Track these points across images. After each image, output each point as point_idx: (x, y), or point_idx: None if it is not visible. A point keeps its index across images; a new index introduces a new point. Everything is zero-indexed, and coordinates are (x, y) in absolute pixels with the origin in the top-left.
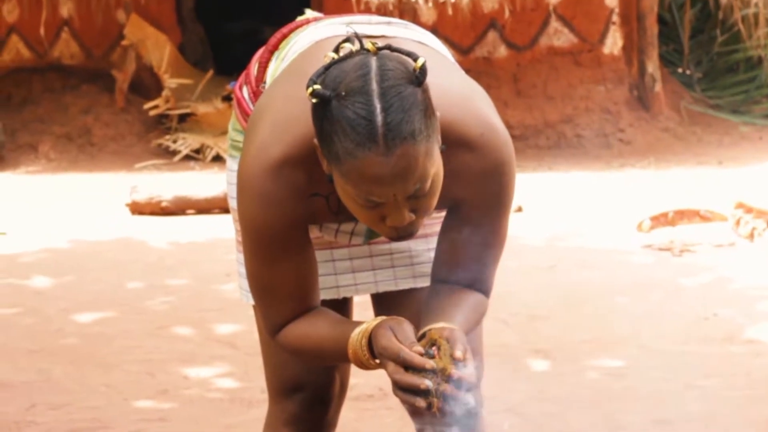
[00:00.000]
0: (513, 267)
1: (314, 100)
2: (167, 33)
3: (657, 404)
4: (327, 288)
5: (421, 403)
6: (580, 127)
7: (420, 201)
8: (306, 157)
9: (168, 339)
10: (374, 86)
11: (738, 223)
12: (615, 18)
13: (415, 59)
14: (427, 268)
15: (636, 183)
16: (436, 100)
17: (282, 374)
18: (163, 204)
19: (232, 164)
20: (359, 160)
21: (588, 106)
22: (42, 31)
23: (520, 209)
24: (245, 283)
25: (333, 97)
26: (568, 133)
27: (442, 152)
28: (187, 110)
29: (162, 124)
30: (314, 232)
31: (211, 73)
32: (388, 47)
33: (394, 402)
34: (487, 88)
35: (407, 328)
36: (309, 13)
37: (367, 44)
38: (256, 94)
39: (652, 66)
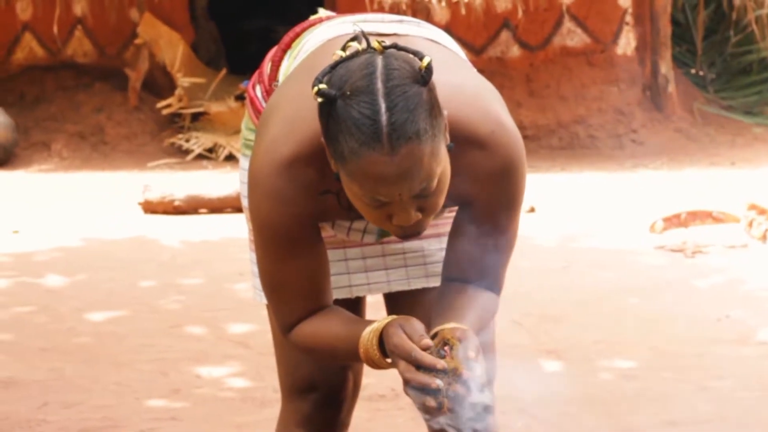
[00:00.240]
0: (525, 267)
1: (320, 100)
2: (180, 32)
3: (669, 405)
4: (340, 287)
5: (431, 402)
6: (593, 127)
7: (426, 200)
8: (316, 155)
9: (180, 338)
10: (379, 85)
11: (751, 224)
12: (628, 18)
13: (421, 58)
14: (440, 268)
15: (649, 184)
16: (446, 97)
17: (295, 374)
18: (176, 203)
19: (245, 163)
20: (364, 159)
21: (601, 107)
22: (55, 29)
23: (532, 210)
24: (258, 283)
25: (338, 97)
26: (580, 133)
27: (450, 150)
28: (200, 109)
29: (175, 123)
30: (327, 231)
31: (224, 72)
32: (395, 46)
33: (406, 402)
34: (500, 88)
35: (418, 326)
36: (322, 12)
37: (374, 43)
38: (269, 93)
39: (666, 67)
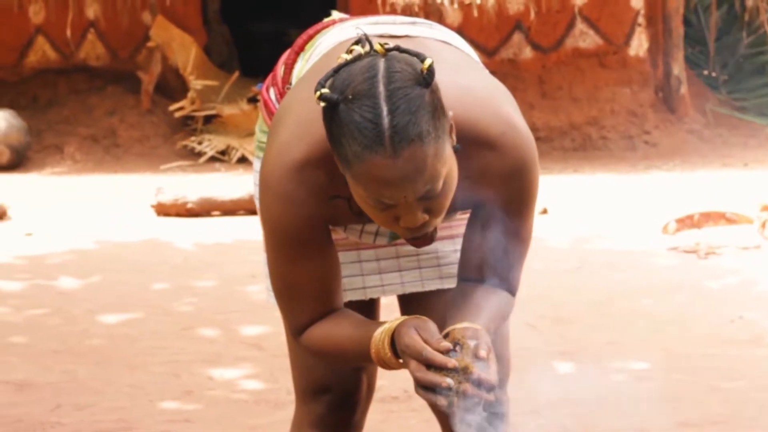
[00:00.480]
0: (538, 269)
1: (322, 104)
2: (193, 34)
3: (682, 407)
4: (354, 289)
5: (442, 401)
6: (606, 129)
7: (432, 202)
8: (327, 158)
9: (193, 340)
10: (381, 88)
11: (764, 225)
12: (640, 20)
13: (423, 60)
14: (454, 269)
15: (661, 185)
16: (456, 99)
17: (309, 376)
18: (189, 205)
19: (259, 165)
20: (367, 163)
21: (613, 108)
22: (68, 32)
23: (545, 211)
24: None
25: (341, 101)
26: (593, 135)
27: (457, 152)
28: (213, 112)
29: (187, 125)
30: (339, 234)
31: (236, 74)
32: (397, 48)
33: (419, 404)
34: (513, 90)
35: (431, 326)
36: (335, 14)
37: (376, 46)
38: (282, 96)
39: (678, 68)
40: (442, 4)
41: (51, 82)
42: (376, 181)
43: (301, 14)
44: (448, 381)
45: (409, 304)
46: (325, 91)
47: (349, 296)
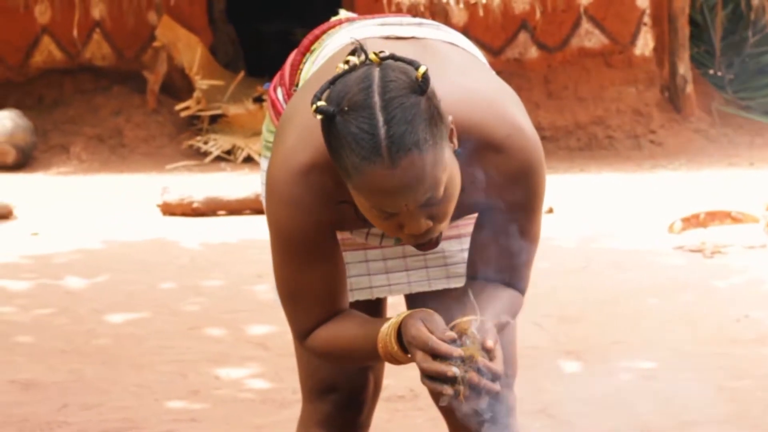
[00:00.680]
0: (544, 268)
1: (319, 117)
2: (198, 34)
3: (688, 406)
4: (361, 288)
5: (448, 390)
6: (611, 128)
7: (435, 208)
8: (333, 163)
9: (200, 340)
10: (376, 99)
11: None
12: (646, 19)
13: (417, 67)
14: (461, 269)
15: (667, 184)
16: (461, 101)
17: (316, 375)
18: (195, 205)
19: (266, 165)
20: (366, 174)
21: (619, 108)
22: (74, 32)
23: (551, 211)
24: None
25: (337, 113)
26: (599, 134)
27: (458, 155)
28: (218, 111)
29: (193, 125)
30: (345, 234)
31: (242, 74)
32: (392, 56)
33: (425, 403)
34: (518, 90)
35: (437, 318)
36: (343, 14)
37: (371, 55)
38: (290, 96)
39: (684, 67)
40: (447, 3)
41: (57, 82)
42: (377, 192)
43: (307, 14)
44: (454, 370)
45: (416, 303)
46: (321, 103)
47: (355, 296)
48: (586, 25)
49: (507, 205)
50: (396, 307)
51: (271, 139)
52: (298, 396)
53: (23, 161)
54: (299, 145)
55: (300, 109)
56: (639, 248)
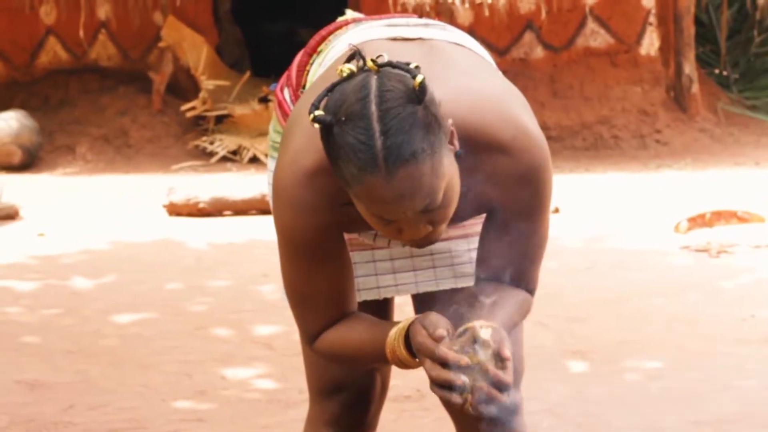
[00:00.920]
0: (551, 268)
1: (316, 126)
2: (204, 34)
3: (694, 405)
4: (368, 289)
5: (456, 399)
6: (617, 128)
7: (434, 214)
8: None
9: (206, 340)
10: (373, 109)
11: None
12: (652, 19)
13: (414, 76)
14: (468, 269)
15: (673, 184)
16: (466, 103)
17: (323, 375)
18: (201, 205)
19: (273, 165)
20: (364, 184)
21: (625, 107)
22: (80, 33)
23: (557, 210)
24: None
25: (334, 123)
26: (604, 134)
27: (459, 157)
28: (224, 112)
29: (199, 125)
30: (353, 234)
31: (248, 74)
32: (389, 64)
33: (431, 403)
34: (524, 90)
35: (434, 318)
36: (349, 14)
37: (368, 62)
38: (297, 97)
39: (689, 67)
40: (453, 3)
41: (62, 82)
42: (375, 201)
43: (312, 14)
44: (463, 378)
45: (424, 303)
46: (318, 113)
47: (363, 296)
48: (591, 24)
49: (514, 207)
50: (402, 307)
51: (278, 139)
52: (304, 396)
53: (29, 162)
54: (305, 148)
55: (305, 113)
56: (645, 248)
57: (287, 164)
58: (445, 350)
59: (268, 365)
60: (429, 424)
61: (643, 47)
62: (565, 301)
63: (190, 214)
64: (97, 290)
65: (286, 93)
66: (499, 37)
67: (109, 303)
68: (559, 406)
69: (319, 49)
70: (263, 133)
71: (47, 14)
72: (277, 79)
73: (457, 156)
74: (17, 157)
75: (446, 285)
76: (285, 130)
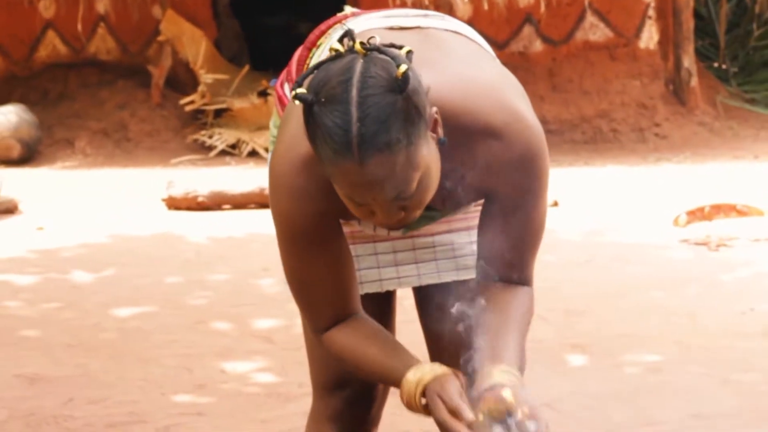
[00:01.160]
0: (550, 261)
1: (296, 103)
2: (203, 28)
3: (694, 399)
4: (370, 281)
5: None
6: (616, 121)
7: (407, 201)
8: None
9: (205, 333)
10: (354, 94)
11: None
12: (651, 12)
13: (399, 65)
14: (470, 261)
15: (672, 177)
16: (461, 90)
17: (327, 371)
18: (200, 199)
19: None
20: (337, 167)
21: (624, 101)
22: (78, 26)
23: (556, 204)
24: None
25: (315, 102)
26: (603, 127)
27: (443, 145)
28: (223, 105)
29: (198, 119)
30: (355, 226)
31: (246, 68)
32: (377, 49)
33: None
34: (523, 83)
35: (450, 390)
36: (348, 9)
37: (357, 45)
38: None
39: (688, 60)
40: None
41: (61, 76)
42: (347, 184)
43: (311, 7)
44: None
45: (425, 295)
46: (300, 91)
47: (365, 288)
48: (590, 18)
49: (509, 193)
50: (402, 300)
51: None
52: (304, 390)
53: (28, 156)
54: (300, 136)
55: None
56: (644, 241)
57: (283, 151)
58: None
59: (268, 359)
60: (431, 421)
61: (642, 41)
62: (564, 294)
63: (189, 208)
64: (96, 284)
65: (286, 88)
66: (498, 30)
67: (109, 297)
68: (558, 401)
69: (318, 43)
70: (262, 127)
71: (46, 8)
72: (275, 72)
73: (441, 144)
74: (16, 151)
75: (448, 277)
76: (282, 120)
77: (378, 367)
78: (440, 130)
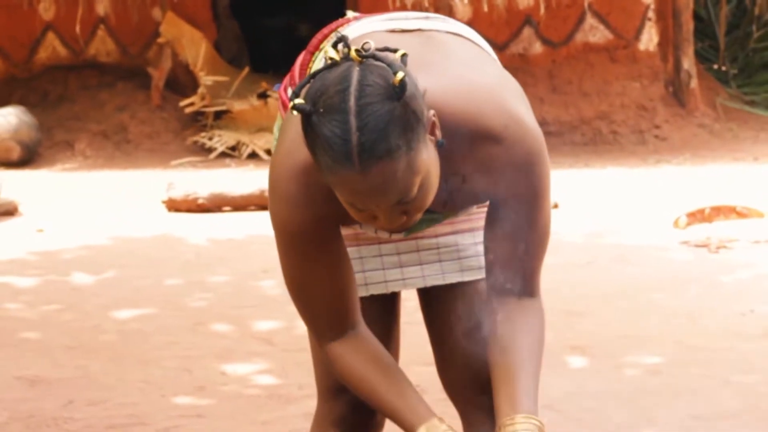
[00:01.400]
0: (550, 263)
1: (295, 113)
2: (203, 30)
3: (694, 400)
4: (375, 283)
5: None
6: (616, 123)
7: (408, 206)
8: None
9: (206, 335)
10: (351, 103)
11: None
12: (650, 14)
13: (395, 72)
14: (474, 262)
15: (672, 179)
16: (461, 93)
17: (331, 375)
18: (200, 201)
19: None
20: (338, 176)
21: (623, 103)
22: (78, 29)
23: (556, 206)
24: None
25: (313, 112)
26: (603, 129)
27: (442, 147)
28: (223, 107)
29: (198, 121)
30: (356, 228)
31: (246, 70)
32: (373, 56)
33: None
34: (523, 85)
35: None
36: (350, 14)
37: (352, 53)
38: None
39: (688, 62)
40: None
41: (61, 78)
42: (348, 192)
43: (311, 9)
44: None
45: (430, 297)
46: (298, 101)
47: (370, 290)
48: (590, 20)
49: (512, 197)
50: (405, 302)
51: None
52: (305, 392)
53: (28, 158)
54: (299, 142)
55: None
56: (644, 243)
57: (282, 157)
58: None
59: (268, 361)
60: None
61: (642, 42)
62: (565, 296)
63: (189, 210)
64: (96, 286)
65: (290, 93)
66: (497, 32)
67: (109, 298)
68: (559, 402)
69: (321, 47)
70: (262, 129)
71: (46, 10)
72: (275, 74)
73: (440, 146)
74: (16, 153)
75: (453, 279)
76: (282, 125)
77: (387, 410)
78: (438, 133)
